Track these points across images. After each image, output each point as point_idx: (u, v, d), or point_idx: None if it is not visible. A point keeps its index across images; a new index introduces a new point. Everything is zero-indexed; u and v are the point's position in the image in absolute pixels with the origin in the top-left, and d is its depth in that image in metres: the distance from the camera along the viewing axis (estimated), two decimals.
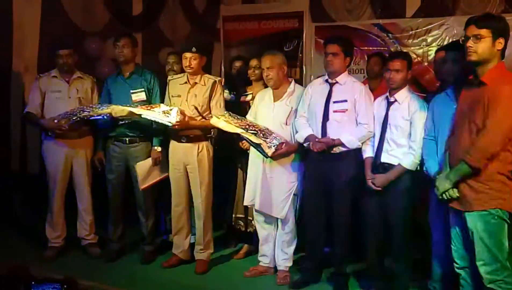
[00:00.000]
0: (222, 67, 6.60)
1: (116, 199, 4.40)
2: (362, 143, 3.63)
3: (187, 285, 3.98)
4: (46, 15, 5.36)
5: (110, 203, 4.42)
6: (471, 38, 2.75)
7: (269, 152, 3.74)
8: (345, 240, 3.75)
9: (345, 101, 3.66)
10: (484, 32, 2.73)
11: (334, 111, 3.67)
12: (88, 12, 5.80)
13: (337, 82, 3.72)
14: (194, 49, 4.02)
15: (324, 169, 3.70)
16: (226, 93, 4.48)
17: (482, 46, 2.73)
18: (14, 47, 5.24)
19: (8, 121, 5.25)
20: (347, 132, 3.62)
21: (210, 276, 4.13)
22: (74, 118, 4.16)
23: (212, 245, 4.25)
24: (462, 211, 2.83)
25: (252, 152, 4.01)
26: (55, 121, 4.18)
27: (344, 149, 3.64)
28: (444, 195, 2.87)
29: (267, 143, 3.74)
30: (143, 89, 4.28)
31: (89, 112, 4.16)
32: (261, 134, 3.77)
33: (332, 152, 3.65)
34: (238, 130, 3.83)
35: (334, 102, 3.69)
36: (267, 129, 3.82)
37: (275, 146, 3.74)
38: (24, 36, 5.29)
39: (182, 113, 3.96)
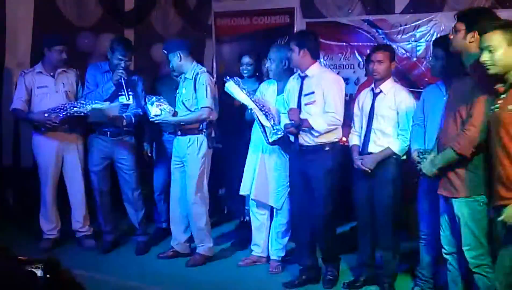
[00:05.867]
0: (214, 63, 6.66)
1: (103, 191, 4.44)
2: (342, 132, 3.69)
3: (180, 275, 4.03)
4: (39, 10, 5.37)
5: (98, 195, 4.45)
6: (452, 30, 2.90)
7: (271, 139, 3.77)
8: (324, 231, 3.74)
9: (313, 93, 3.66)
10: (458, 25, 2.85)
11: (305, 104, 3.69)
12: (80, 8, 5.80)
13: (306, 76, 3.72)
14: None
15: (302, 162, 3.73)
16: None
17: (456, 38, 2.85)
18: (7, 43, 5.24)
19: None
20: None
21: (204, 267, 4.18)
22: (64, 113, 4.20)
23: (209, 239, 4.24)
24: (450, 197, 2.91)
25: (252, 142, 4.06)
26: (46, 115, 4.21)
27: (319, 141, 3.62)
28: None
29: (273, 129, 3.77)
30: (131, 93, 4.26)
31: (79, 108, 4.19)
32: (272, 119, 3.79)
33: (307, 144, 3.65)
34: (251, 104, 3.81)
35: (305, 95, 3.70)
36: (276, 116, 3.84)
37: (277, 135, 3.76)
38: (17, 32, 5.28)
39: (159, 107, 3.99)
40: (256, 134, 4.03)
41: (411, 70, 5.74)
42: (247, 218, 4.44)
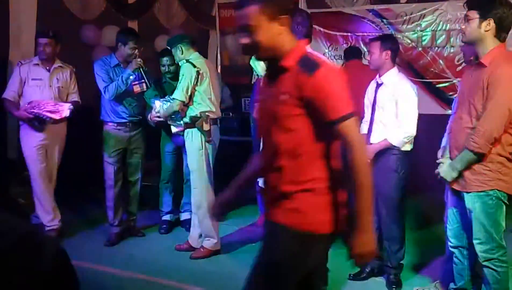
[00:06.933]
0: (218, 54, 6.64)
1: (116, 183, 4.47)
2: None
3: (185, 267, 4.02)
4: (42, 4, 5.36)
5: (110, 187, 4.47)
6: (464, 19, 2.79)
7: None
8: None
9: None
10: (470, 13, 2.72)
11: None
12: (84, 0, 5.79)
13: None
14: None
15: None
16: None
17: (469, 27, 2.73)
18: (11, 37, 5.23)
19: (4, 109, 5.27)
20: None
21: (210, 258, 4.17)
22: (35, 112, 4.24)
23: (215, 234, 4.18)
24: (461, 191, 2.86)
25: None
26: (24, 109, 4.27)
27: None
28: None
29: None
30: (143, 80, 4.31)
31: (37, 111, 4.23)
32: None
33: None
34: None
35: None
36: None
37: None
38: (20, 25, 5.26)
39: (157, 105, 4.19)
40: None
41: (416, 60, 5.71)
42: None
